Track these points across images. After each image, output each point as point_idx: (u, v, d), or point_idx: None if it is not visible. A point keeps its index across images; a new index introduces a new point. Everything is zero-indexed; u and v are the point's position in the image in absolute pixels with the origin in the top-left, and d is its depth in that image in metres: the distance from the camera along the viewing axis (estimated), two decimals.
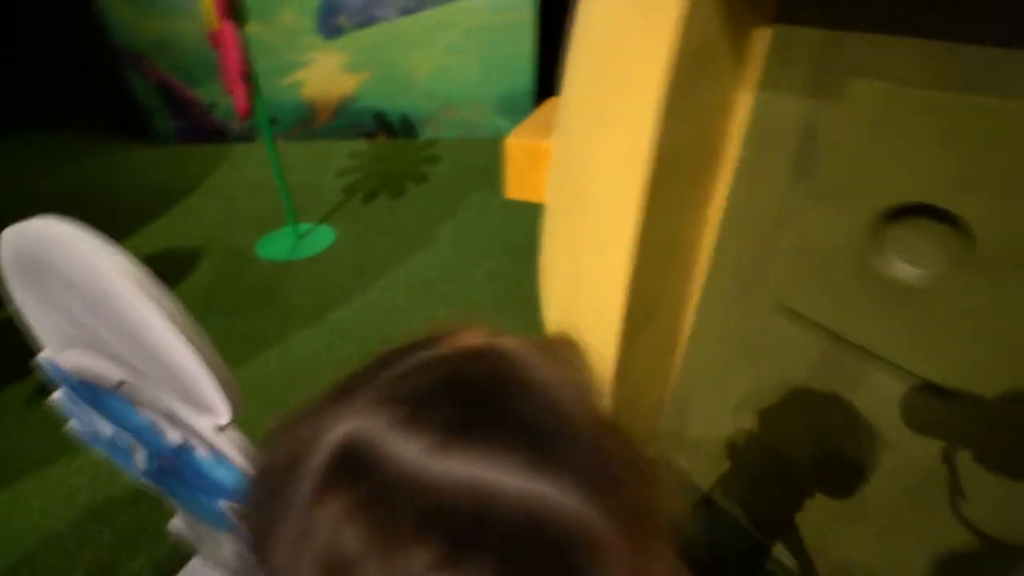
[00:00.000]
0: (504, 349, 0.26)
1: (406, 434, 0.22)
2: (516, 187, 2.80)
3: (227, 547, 0.82)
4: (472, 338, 0.27)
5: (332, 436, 0.23)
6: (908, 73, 0.69)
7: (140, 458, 0.69)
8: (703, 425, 1.28)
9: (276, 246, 2.47)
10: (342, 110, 3.66)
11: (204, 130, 3.75)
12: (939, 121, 0.67)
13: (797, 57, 0.81)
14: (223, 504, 0.63)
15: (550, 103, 3.04)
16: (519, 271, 2.23)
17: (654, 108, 0.80)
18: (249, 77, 2.05)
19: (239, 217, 2.76)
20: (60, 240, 0.55)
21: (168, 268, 2.34)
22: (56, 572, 1.24)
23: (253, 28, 2.27)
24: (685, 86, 0.79)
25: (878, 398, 0.87)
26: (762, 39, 0.84)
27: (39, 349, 0.69)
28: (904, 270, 0.77)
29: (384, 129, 3.71)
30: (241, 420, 0.59)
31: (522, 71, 3.39)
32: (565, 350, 0.29)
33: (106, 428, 0.70)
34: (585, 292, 1.15)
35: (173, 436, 0.63)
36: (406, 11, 3.29)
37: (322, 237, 2.53)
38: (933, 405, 0.80)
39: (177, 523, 0.92)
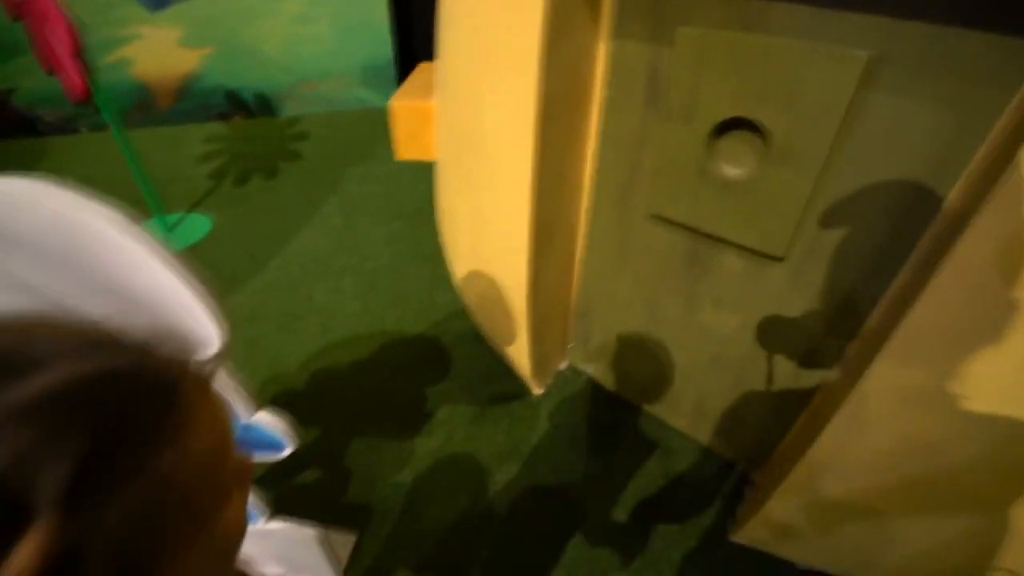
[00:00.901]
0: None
1: None
2: (406, 148, 2.87)
3: None
4: None
5: None
6: (716, 20, 0.93)
7: None
8: (602, 331, 1.53)
9: None
10: (186, 91, 3.34)
11: (2, 123, 3.21)
12: (739, 54, 0.91)
13: (638, 13, 1.02)
14: None
15: (423, 67, 3.09)
16: (416, 232, 2.32)
17: (535, 60, 0.97)
18: (81, 52, 1.83)
19: None
20: (15, 199, 0.57)
21: None
22: None
23: None
24: (556, 39, 0.97)
25: (728, 274, 1.15)
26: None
27: None
28: (730, 171, 1.03)
29: (239, 109, 3.46)
30: None
31: (380, 41, 3.36)
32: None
33: None
34: (490, 227, 1.31)
35: None
36: None
37: (196, 225, 2.38)
38: (764, 271, 1.09)
39: None
